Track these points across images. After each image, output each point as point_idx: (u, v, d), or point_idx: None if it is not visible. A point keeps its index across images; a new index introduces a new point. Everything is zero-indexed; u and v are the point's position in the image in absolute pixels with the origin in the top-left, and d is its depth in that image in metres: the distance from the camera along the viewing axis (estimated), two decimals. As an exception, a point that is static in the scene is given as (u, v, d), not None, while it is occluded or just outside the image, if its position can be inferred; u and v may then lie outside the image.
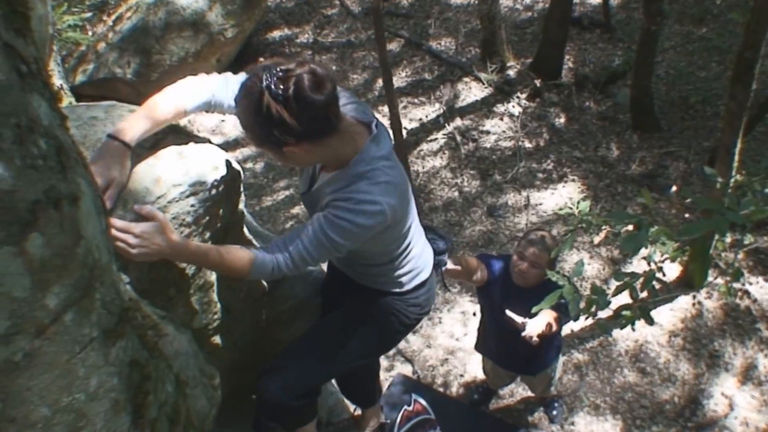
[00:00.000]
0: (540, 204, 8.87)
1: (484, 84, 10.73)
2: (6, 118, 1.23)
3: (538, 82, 10.45)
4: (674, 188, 8.72)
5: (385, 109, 9.37)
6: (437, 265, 3.51)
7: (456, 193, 9.22)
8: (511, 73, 10.85)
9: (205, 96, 2.67)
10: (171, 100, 2.59)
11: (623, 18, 11.93)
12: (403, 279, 3.15)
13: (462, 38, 11.73)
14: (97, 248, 1.53)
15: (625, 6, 12.22)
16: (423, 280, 3.24)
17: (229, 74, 2.79)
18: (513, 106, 10.35)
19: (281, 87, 2.33)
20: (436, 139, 10.02)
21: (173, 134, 2.60)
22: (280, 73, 2.35)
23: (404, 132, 9.30)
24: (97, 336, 1.55)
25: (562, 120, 10.15)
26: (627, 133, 9.85)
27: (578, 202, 4.13)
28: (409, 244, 3.03)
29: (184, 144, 2.57)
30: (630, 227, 3.41)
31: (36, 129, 1.32)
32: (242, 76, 2.66)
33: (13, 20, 1.36)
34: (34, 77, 1.37)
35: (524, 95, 10.49)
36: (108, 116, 2.50)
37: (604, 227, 3.92)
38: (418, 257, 3.17)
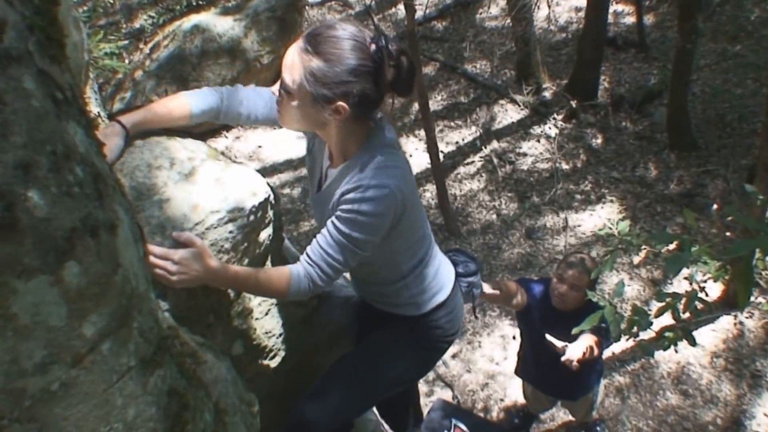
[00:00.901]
0: (578, 225, 8.82)
1: (520, 106, 10.72)
2: (41, 146, 1.22)
3: (574, 103, 10.41)
4: (715, 207, 8.62)
5: (422, 132, 9.40)
6: (469, 286, 3.40)
7: (494, 216, 9.19)
8: (547, 94, 10.83)
9: (213, 100, 2.69)
10: (177, 97, 2.65)
11: (658, 37, 11.87)
12: (418, 300, 3.02)
13: (497, 61, 11.73)
14: (134, 276, 1.52)
15: (659, 25, 12.17)
16: (441, 301, 3.07)
17: (239, 85, 2.83)
18: (549, 128, 10.32)
19: (392, 45, 2.38)
20: (473, 162, 10.01)
21: (210, 160, 2.59)
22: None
23: (441, 155, 9.29)
24: (134, 365, 1.53)
25: (599, 140, 10.10)
26: (664, 153, 9.78)
27: (618, 223, 4.08)
28: (420, 258, 2.92)
29: (221, 170, 2.56)
30: (671, 247, 3.36)
31: (72, 156, 1.31)
32: (265, 89, 2.75)
33: (48, 47, 1.36)
34: (70, 104, 1.37)
35: (560, 116, 10.46)
36: (145, 143, 2.49)
37: (644, 247, 3.88)
38: (433, 277, 3.02)
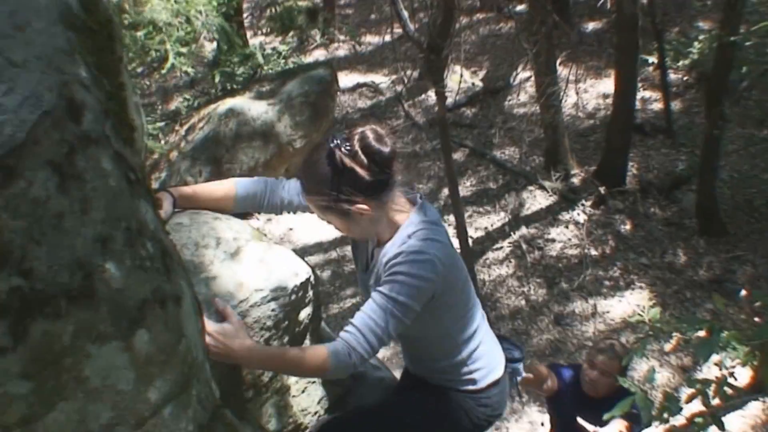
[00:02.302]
0: (607, 312, 8.83)
1: (548, 192, 10.80)
2: (117, 222, 1.33)
3: (602, 190, 10.48)
4: (743, 292, 8.61)
5: (451, 218, 9.47)
6: (512, 373, 3.38)
7: (523, 302, 9.21)
8: (576, 180, 10.92)
9: (258, 188, 2.81)
10: (225, 181, 2.79)
11: (685, 123, 11.98)
12: (475, 375, 2.98)
13: (526, 147, 11.85)
14: (194, 346, 1.61)
15: (686, 111, 12.29)
16: (496, 379, 3.02)
17: (282, 178, 2.91)
18: (578, 214, 10.39)
19: (348, 143, 2.46)
20: (501, 247, 10.07)
21: (254, 241, 2.69)
22: (344, 134, 2.50)
23: (470, 241, 9.36)
24: (192, 430, 1.61)
25: (628, 227, 10.15)
26: (693, 239, 9.81)
27: (648, 309, 4.12)
28: (474, 332, 2.91)
29: (264, 250, 2.66)
30: (700, 333, 3.39)
31: (144, 232, 1.42)
32: (296, 181, 2.81)
33: (122, 131, 1.47)
34: (141, 184, 1.48)
35: (589, 203, 10.52)
36: (193, 222, 2.60)
37: (675, 334, 3.91)
38: (489, 354, 3.01)
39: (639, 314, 4.24)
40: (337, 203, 2.51)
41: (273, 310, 2.56)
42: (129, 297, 1.34)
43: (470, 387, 2.99)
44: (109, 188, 1.33)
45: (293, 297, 2.65)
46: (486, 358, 2.98)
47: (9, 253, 1.15)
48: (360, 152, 2.45)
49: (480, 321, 2.95)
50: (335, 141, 2.46)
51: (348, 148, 2.45)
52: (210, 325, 2.26)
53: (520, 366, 3.49)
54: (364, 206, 2.51)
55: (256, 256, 2.62)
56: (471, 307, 2.89)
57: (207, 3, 9.02)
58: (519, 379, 3.55)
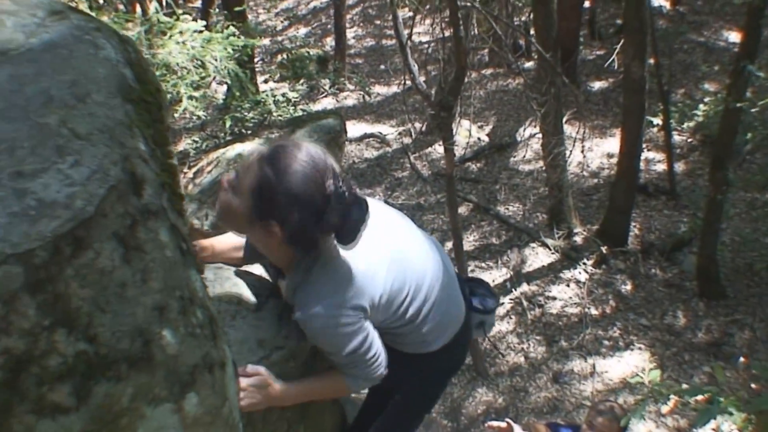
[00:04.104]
0: (606, 372, 8.87)
1: (551, 250, 10.89)
2: (173, 291, 1.42)
3: (604, 249, 10.57)
4: (742, 359, 8.67)
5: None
6: (480, 324, 3.19)
7: (522, 359, 9.26)
8: (578, 239, 11.01)
9: None
10: (238, 237, 2.76)
11: (688, 185, 12.10)
12: (425, 339, 2.83)
13: (529, 203, 11.96)
14: (234, 408, 1.70)
15: (690, 173, 12.42)
16: (434, 350, 2.88)
17: None
18: (579, 273, 10.46)
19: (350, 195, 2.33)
20: (502, 303, 10.12)
21: (273, 297, 2.77)
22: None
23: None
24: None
25: (629, 287, 10.22)
26: (693, 301, 9.89)
27: (648, 372, 4.18)
28: (424, 312, 2.71)
29: (283, 307, 2.74)
30: (699, 397, 3.45)
31: (195, 301, 1.51)
32: None
33: (175, 203, 1.57)
34: (191, 254, 1.57)
35: (591, 261, 10.61)
36: (217, 278, 2.68)
37: (673, 397, 3.97)
38: (440, 321, 2.81)
39: (639, 376, 4.31)
40: (266, 216, 2.26)
41: (291, 366, 2.64)
42: (182, 362, 1.43)
43: (421, 351, 2.86)
44: (166, 259, 1.42)
45: (310, 353, 2.73)
46: (438, 325, 2.81)
47: (77, 319, 1.23)
48: (353, 208, 2.30)
49: (431, 285, 2.72)
50: (336, 178, 2.25)
51: (349, 194, 2.27)
52: (243, 381, 2.31)
53: (491, 317, 3.26)
54: (278, 233, 2.28)
55: (276, 312, 2.70)
56: (413, 300, 2.67)
57: (222, 49, 9.16)
58: (488, 329, 3.34)
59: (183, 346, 1.42)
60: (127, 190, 1.37)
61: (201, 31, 8.64)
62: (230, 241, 2.82)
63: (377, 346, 2.54)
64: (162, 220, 1.44)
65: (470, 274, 10.07)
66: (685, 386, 4.06)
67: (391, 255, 2.60)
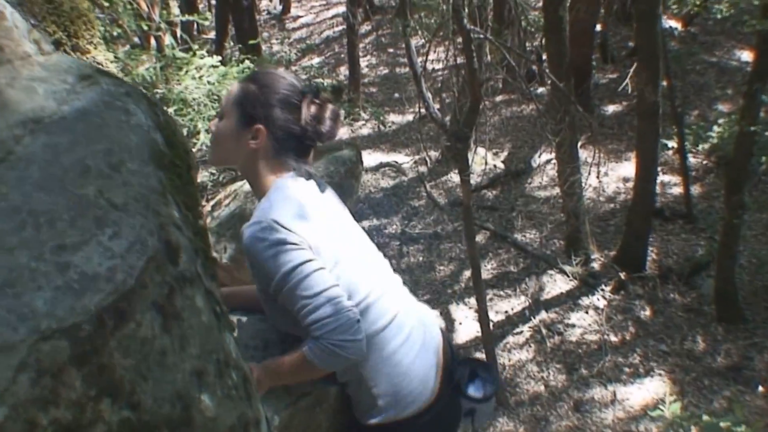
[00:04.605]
0: (627, 399, 8.87)
1: (569, 277, 10.90)
2: (210, 355, 1.48)
3: (622, 275, 10.57)
4: (761, 389, 8.67)
5: (471, 300, 9.58)
6: (468, 413, 2.87)
7: (542, 387, 9.26)
8: (596, 265, 11.02)
9: None
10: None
11: (704, 207, 12.12)
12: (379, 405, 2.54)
13: (546, 230, 11.98)
14: (268, 462, 1.76)
15: (706, 195, 12.43)
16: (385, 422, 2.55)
17: None
18: (598, 299, 10.47)
19: (317, 91, 2.52)
20: (521, 332, 10.14)
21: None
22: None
23: (491, 324, 9.44)
24: None
25: (648, 312, 10.22)
26: (712, 325, 9.88)
27: (669, 405, 4.20)
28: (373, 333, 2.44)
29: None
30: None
31: (230, 363, 1.56)
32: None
33: (208, 267, 1.63)
34: (225, 316, 1.63)
35: (609, 288, 10.61)
36: (242, 325, 2.74)
37: (694, 428, 3.99)
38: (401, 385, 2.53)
39: (660, 409, 4.34)
40: (249, 114, 2.44)
41: (318, 412, 2.69)
42: (220, 424, 1.47)
43: (370, 420, 2.57)
44: (202, 324, 1.48)
45: (336, 399, 2.77)
46: (392, 382, 2.51)
47: (120, 388, 1.28)
48: (329, 104, 2.50)
49: (391, 320, 2.51)
50: (309, 84, 2.50)
51: (323, 95, 2.51)
52: None
53: (486, 406, 2.90)
54: (261, 138, 2.42)
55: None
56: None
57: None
58: (479, 422, 2.96)
59: (220, 409, 1.47)
60: (164, 259, 1.42)
61: (216, 66, 8.74)
62: (246, 290, 2.84)
63: (326, 287, 2.24)
64: (197, 286, 1.50)
65: (488, 303, 10.10)
66: (705, 418, 4.06)
67: (351, 246, 2.53)
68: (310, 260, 2.25)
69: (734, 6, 11.39)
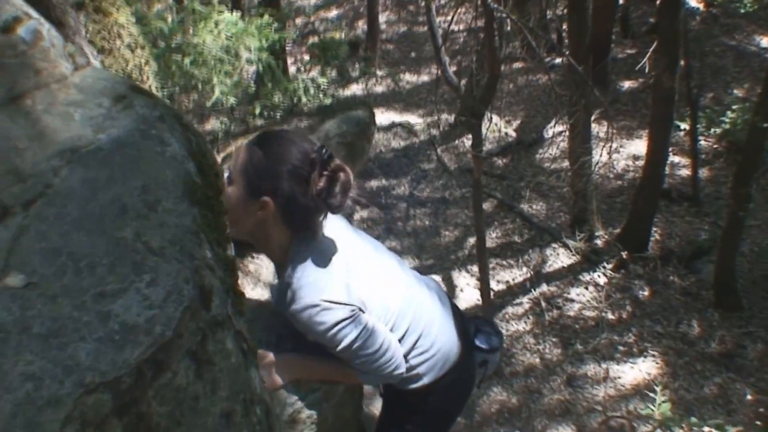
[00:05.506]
0: (619, 377, 9.00)
1: (571, 251, 10.98)
2: (237, 395, 1.56)
3: (624, 254, 10.64)
4: (749, 396, 8.77)
5: (473, 268, 9.66)
6: (482, 363, 3.23)
7: (537, 359, 9.40)
8: (599, 242, 11.08)
9: None
10: None
11: (711, 191, 12.15)
12: (417, 371, 2.86)
13: (553, 203, 12.03)
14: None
15: (714, 180, 12.45)
16: (441, 375, 2.91)
17: None
18: (599, 276, 10.56)
19: (327, 153, 2.42)
20: (521, 303, 10.25)
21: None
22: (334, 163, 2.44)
23: (491, 293, 9.55)
24: None
25: (646, 293, 10.31)
26: (708, 311, 9.97)
27: (658, 405, 4.29)
28: (406, 331, 2.77)
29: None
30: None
31: (255, 400, 1.65)
32: None
33: (237, 304, 1.72)
34: (251, 352, 1.73)
35: (610, 265, 10.69)
36: (255, 321, 2.84)
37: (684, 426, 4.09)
38: (432, 351, 2.85)
39: (650, 408, 4.44)
40: (256, 186, 2.43)
41: (325, 407, 2.81)
42: (245, 461, 1.58)
43: (412, 386, 2.87)
44: (231, 366, 1.57)
45: (342, 395, 2.89)
46: (426, 356, 2.84)
47: (156, 433, 1.39)
48: (340, 174, 2.41)
49: (418, 314, 2.80)
50: (319, 149, 2.41)
51: (333, 162, 2.42)
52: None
53: (495, 356, 3.29)
54: (269, 209, 2.44)
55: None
56: (395, 310, 2.72)
57: (257, 41, 9.26)
58: (490, 369, 3.36)
59: (246, 447, 1.58)
60: (198, 306, 1.49)
61: (236, 24, 8.75)
62: None
63: (381, 342, 2.58)
64: (228, 328, 1.59)
65: (491, 272, 10.20)
66: (693, 420, 4.16)
67: (377, 271, 2.73)
68: (365, 326, 2.51)
69: (760, 1, 11.31)
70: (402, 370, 2.69)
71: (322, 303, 2.42)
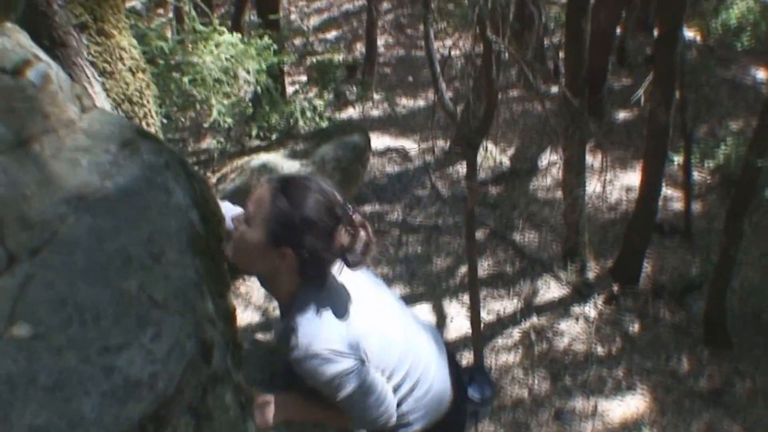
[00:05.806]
0: (607, 413, 8.99)
1: (563, 282, 10.98)
2: (235, 450, 1.57)
3: (615, 288, 10.65)
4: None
5: (464, 297, 9.64)
6: (472, 415, 3.21)
7: (525, 393, 9.37)
8: (591, 275, 11.09)
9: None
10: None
11: (703, 226, 12.19)
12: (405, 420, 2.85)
13: (545, 233, 12.04)
14: None
15: (706, 214, 12.50)
16: (418, 429, 2.89)
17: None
18: (589, 309, 10.56)
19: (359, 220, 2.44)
20: (511, 334, 10.23)
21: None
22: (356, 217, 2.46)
23: (482, 324, 9.53)
24: None
25: (636, 327, 10.33)
26: (698, 347, 10.00)
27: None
28: (402, 380, 2.76)
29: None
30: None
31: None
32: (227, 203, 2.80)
33: (236, 357, 1.71)
34: (249, 403, 1.72)
35: (601, 298, 10.71)
36: (249, 359, 2.84)
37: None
38: (421, 401, 2.84)
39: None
40: (277, 237, 2.42)
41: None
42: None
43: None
44: (229, 420, 1.56)
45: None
46: (419, 404, 2.84)
47: (154, 488, 1.38)
48: (362, 231, 2.44)
49: (415, 362, 2.81)
50: (344, 204, 2.44)
51: (357, 219, 2.44)
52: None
53: (485, 409, 3.28)
54: (287, 259, 2.44)
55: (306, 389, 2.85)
56: (393, 361, 2.73)
57: (256, 63, 9.29)
58: (481, 417, 3.35)
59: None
60: (199, 361, 1.47)
61: (236, 45, 8.78)
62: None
63: (379, 394, 2.60)
64: (227, 383, 1.58)
65: (483, 303, 10.17)
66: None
67: (380, 318, 2.73)
68: (365, 378, 2.52)
69: (756, 39, 11.38)
70: (394, 419, 2.70)
71: (326, 353, 2.42)
